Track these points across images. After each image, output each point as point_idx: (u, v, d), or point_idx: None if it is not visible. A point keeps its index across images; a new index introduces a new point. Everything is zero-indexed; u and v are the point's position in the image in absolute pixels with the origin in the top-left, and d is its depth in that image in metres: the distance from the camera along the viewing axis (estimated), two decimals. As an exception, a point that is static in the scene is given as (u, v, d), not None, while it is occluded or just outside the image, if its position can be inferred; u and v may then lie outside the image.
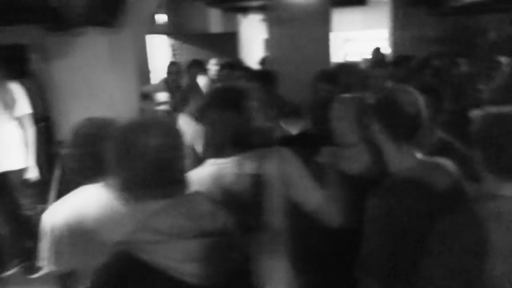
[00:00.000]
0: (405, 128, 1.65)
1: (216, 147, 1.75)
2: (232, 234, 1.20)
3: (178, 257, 1.08)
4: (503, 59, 4.66)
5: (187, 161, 1.23)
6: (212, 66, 6.14)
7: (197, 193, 1.23)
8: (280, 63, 4.73)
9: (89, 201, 1.54)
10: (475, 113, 1.44)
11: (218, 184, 1.65)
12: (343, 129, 2.10)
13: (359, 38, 10.54)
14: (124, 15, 4.09)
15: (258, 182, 1.68)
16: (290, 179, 1.74)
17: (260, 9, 8.31)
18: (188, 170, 1.26)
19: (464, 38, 6.34)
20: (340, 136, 2.13)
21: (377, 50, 6.19)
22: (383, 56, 6.09)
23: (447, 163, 1.72)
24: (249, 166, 1.68)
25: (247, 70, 4.83)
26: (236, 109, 1.69)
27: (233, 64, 5.26)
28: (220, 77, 5.37)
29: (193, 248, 1.10)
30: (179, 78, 5.14)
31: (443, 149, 2.02)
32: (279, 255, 1.74)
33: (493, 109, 1.40)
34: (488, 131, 1.38)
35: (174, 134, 1.21)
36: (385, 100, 1.70)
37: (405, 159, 1.67)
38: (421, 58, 5.37)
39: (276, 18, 4.79)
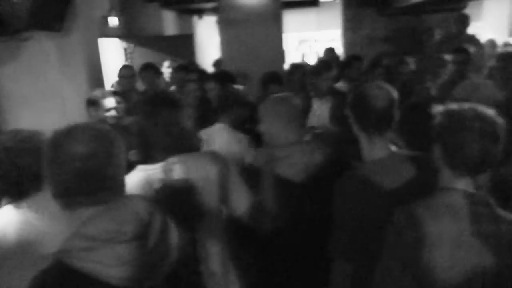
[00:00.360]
0: (375, 121, 1.77)
1: (146, 152, 1.73)
2: (166, 237, 1.20)
3: (109, 262, 1.08)
4: (448, 57, 4.87)
5: (123, 166, 1.23)
6: (166, 68, 6.11)
7: (133, 197, 1.22)
8: (233, 64, 4.75)
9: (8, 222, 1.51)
10: (436, 109, 1.51)
11: (145, 190, 1.63)
12: (276, 130, 2.13)
13: (315, 39, 10.76)
14: (72, 18, 4.01)
15: (186, 188, 1.68)
16: (221, 183, 1.75)
17: (215, 10, 8.32)
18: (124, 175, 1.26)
19: (412, 37, 6.59)
20: (272, 137, 2.15)
21: (329, 51, 6.32)
22: (335, 56, 6.21)
23: (421, 155, 1.82)
24: (178, 171, 1.68)
25: (202, 72, 4.84)
26: (166, 114, 1.70)
27: (187, 67, 5.25)
28: (174, 80, 5.35)
29: (123, 252, 1.09)
30: (133, 82, 5.08)
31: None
32: (215, 256, 1.76)
33: (453, 105, 1.47)
34: (446, 126, 1.44)
35: (105, 141, 1.18)
36: (357, 95, 1.83)
37: (376, 150, 1.79)
38: (372, 57, 5.53)
39: (228, 20, 4.81)
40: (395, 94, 1.80)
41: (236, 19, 4.75)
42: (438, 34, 6.43)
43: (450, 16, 6.80)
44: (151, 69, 5.06)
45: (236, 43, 4.77)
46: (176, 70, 4.99)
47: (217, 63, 5.98)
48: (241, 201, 1.80)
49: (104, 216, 1.12)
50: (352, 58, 5.46)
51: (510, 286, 1.38)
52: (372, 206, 1.71)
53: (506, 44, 6.51)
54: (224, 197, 1.78)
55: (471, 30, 6.22)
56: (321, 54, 9.47)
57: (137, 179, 1.65)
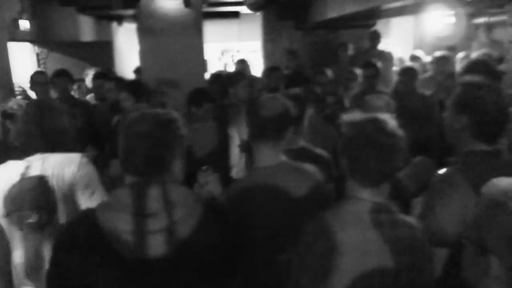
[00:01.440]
0: (260, 129, 1.83)
1: (22, 150, 1.97)
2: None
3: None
4: (358, 71, 5.20)
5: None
6: (87, 76, 5.89)
7: None
8: (153, 74, 4.71)
9: None
10: (341, 121, 1.60)
11: (5, 186, 1.86)
12: None
13: (237, 49, 10.93)
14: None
15: (39, 184, 1.91)
16: (78, 185, 1.98)
17: (135, 18, 8.17)
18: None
19: (327, 51, 6.94)
20: None
21: (240, 62, 6.42)
22: (246, 67, 6.30)
23: (309, 166, 1.90)
24: (36, 168, 1.92)
25: (119, 80, 4.73)
26: (40, 116, 1.98)
27: (105, 74, 5.11)
28: (93, 88, 5.17)
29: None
30: (47, 89, 4.83)
31: (303, 156, 2.23)
32: None
33: (356, 117, 1.53)
34: (348, 140, 1.51)
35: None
36: (250, 104, 1.92)
37: (267, 159, 1.84)
38: (290, 69, 5.76)
39: (147, 28, 4.75)
40: (288, 104, 1.88)
41: (156, 28, 4.71)
42: (351, 49, 6.83)
43: (363, 32, 7.28)
44: (64, 76, 4.85)
45: (156, 52, 4.72)
46: (95, 77, 4.83)
47: (138, 71, 5.86)
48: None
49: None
50: (271, 69, 5.64)
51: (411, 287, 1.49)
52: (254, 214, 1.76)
53: (413, 57, 7.10)
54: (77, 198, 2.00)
55: (381, 46, 6.72)
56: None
57: (2, 172, 1.91)
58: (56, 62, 6.65)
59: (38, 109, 2.10)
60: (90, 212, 1.36)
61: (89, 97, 5.46)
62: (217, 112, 4.28)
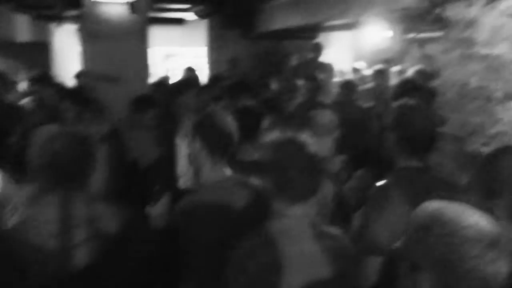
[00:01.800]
0: (220, 145, 1.89)
1: None
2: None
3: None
4: (300, 82, 5.37)
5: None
6: (21, 79, 5.62)
7: None
8: (96, 78, 4.60)
9: None
10: (264, 139, 1.67)
11: None
12: None
13: (181, 54, 10.81)
14: None
15: None
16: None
17: (76, 19, 7.90)
18: None
19: (271, 61, 7.09)
20: None
21: (188, 70, 6.41)
22: (194, 75, 6.32)
23: (255, 181, 1.93)
24: None
25: (60, 87, 4.57)
26: None
27: (44, 79, 4.91)
28: (30, 92, 4.94)
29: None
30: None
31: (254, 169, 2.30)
32: None
33: (275, 138, 1.61)
34: (270, 161, 1.58)
35: None
36: (205, 120, 1.94)
37: (214, 174, 1.89)
38: (233, 78, 5.83)
39: (90, 32, 4.63)
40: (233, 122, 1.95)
41: (100, 32, 4.60)
42: (294, 60, 7.02)
43: (306, 43, 7.51)
44: (-1, 79, 4.62)
45: (100, 58, 4.61)
46: (32, 82, 4.62)
47: (79, 75, 5.66)
48: None
49: None
50: (215, 78, 5.69)
51: None
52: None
53: (354, 70, 7.42)
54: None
55: (322, 57, 6.97)
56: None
57: None
58: (-12, 62, 6.28)
59: None
60: (6, 231, 1.40)
61: (25, 101, 5.22)
62: (162, 120, 4.26)
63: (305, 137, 1.60)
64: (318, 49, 6.86)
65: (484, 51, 2.22)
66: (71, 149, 1.50)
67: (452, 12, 2.40)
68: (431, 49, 7.37)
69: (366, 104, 5.36)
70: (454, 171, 2.46)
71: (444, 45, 2.48)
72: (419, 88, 3.04)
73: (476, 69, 2.28)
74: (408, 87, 3.34)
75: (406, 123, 1.89)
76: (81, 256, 1.35)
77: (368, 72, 6.76)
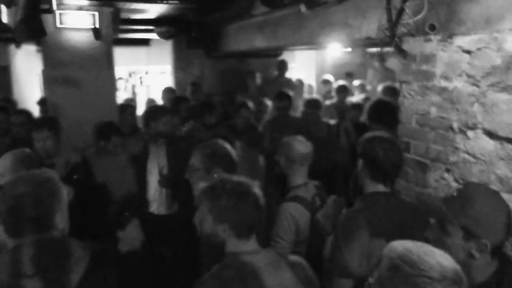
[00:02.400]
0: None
1: None
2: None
3: None
4: (268, 102, 5.45)
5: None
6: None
7: None
8: (60, 106, 4.53)
9: None
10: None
11: None
12: None
13: (146, 71, 10.71)
14: None
15: None
16: None
17: (36, 41, 7.72)
18: None
19: (237, 78, 7.16)
20: None
21: (170, 91, 6.42)
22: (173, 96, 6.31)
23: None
24: None
25: (29, 116, 4.49)
26: None
27: (6, 108, 4.80)
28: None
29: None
30: None
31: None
32: None
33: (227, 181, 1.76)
34: (231, 204, 1.66)
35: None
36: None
37: None
38: (198, 100, 5.87)
39: (54, 61, 4.56)
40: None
41: (64, 60, 4.53)
42: (258, 77, 7.11)
43: (270, 61, 7.63)
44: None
45: (64, 85, 4.54)
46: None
47: (43, 102, 5.55)
48: None
49: None
50: (179, 99, 5.70)
51: None
52: None
53: (325, 81, 7.61)
54: None
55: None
56: (152, 88, 9.54)
57: None
58: None
59: None
60: None
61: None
62: (129, 145, 4.23)
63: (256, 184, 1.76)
64: (283, 66, 7.00)
65: (442, 84, 2.35)
66: (34, 193, 1.51)
67: (410, 46, 2.53)
68: (391, 63, 7.65)
69: (331, 120, 5.50)
70: (418, 195, 2.58)
71: (403, 77, 2.61)
72: (392, 108, 3.18)
73: (435, 100, 2.40)
74: (381, 107, 3.52)
75: (380, 156, 2.01)
76: None
77: (335, 85, 6.95)
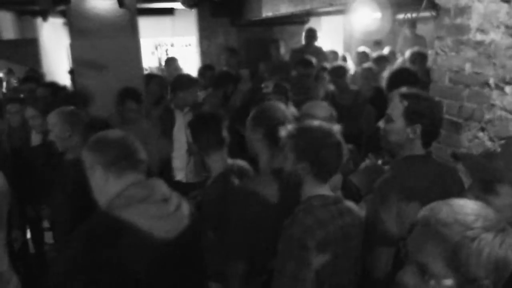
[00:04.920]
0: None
1: None
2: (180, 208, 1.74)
3: (142, 216, 1.54)
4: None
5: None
6: (6, 76, 5.57)
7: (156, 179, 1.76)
8: (87, 76, 4.55)
9: None
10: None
11: None
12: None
13: (171, 43, 10.70)
14: None
15: None
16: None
17: (62, 13, 7.77)
18: None
19: (263, 48, 7.03)
20: None
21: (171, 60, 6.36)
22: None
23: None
24: None
25: (54, 86, 4.54)
26: None
27: (38, 78, 4.86)
28: (23, 92, 4.90)
29: (152, 209, 1.59)
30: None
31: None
32: None
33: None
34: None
35: None
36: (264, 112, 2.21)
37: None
38: (231, 67, 5.80)
39: (79, 29, 4.56)
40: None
41: (89, 29, 4.52)
42: (283, 46, 6.92)
43: (296, 29, 7.45)
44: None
45: (90, 55, 4.55)
46: (24, 81, 4.59)
47: (72, 71, 5.60)
48: None
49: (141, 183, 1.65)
50: (205, 67, 5.66)
51: None
52: None
53: (343, 58, 7.35)
54: None
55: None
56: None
57: None
58: (-25, 62, 6.20)
59: None
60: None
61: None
62: (160, 114, 4.24)
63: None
64: (311, 34, 6.73)
65: (478, 37, 2.22)
66: None
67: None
68: (422, 29, 7.35)
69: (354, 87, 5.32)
70: (457, 155, 2.48)
71: (437, 32, 2.47)
72: (414, 78, 3.02)
73: (470, 55, 2.28)
74: (404, 76, 3.32)
75: (428, 113, 1.89)
76: None
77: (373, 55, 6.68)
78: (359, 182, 2.43)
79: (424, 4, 2.44)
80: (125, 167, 1.65)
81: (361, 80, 5.14)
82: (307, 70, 5.01)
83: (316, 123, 1.84)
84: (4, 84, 5.40)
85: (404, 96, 1.94)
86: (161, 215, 1.60)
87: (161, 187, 1.70)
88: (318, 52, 6.49)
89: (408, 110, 1.91)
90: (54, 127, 2.76)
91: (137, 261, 1.50)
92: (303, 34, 6.84)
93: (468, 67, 2.27)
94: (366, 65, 5.19)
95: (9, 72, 5.46)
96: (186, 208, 1.74)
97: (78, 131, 2.76)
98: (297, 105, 4.15)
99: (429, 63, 3.82)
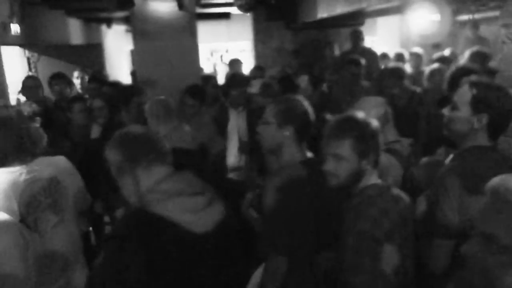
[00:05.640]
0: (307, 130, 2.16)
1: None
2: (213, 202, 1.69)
3: (178, 209, 1.52)
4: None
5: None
6: (76, 79, 5.91)
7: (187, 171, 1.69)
8: (148, 76, 4.75)
9: None
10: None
11: (17, 190, 1.96)
12: None
13: (226, 49, 10.93)
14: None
15: (53, 185, 2.09)
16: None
17: (125, 20, 8.17)
18: None
19: (316, 50, 7.03)
20: None
21: (234, 62, 6.47)
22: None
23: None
24: (43, 171, 2.06)
25: (115, 85, 4.76)
26: (15, 127, 2.04)
27: (101, 78, 5.13)
28: (88, 91, 5.20)
29: (189, 202, 1.56)
30: (37, 93, 4.87)
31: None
32: None
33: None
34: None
35: None
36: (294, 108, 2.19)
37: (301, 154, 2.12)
38: (292, 68, 5.86)
39: (141, 31, 4.78)
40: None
41: (150, 31, 4.74)
42: (337, 48, 6.90)
43: (349, 32, 7.37)
44: (62, 79, 4.90)
45: (152, 56, 4.75)
46: (90, 81, 4.87)
47: (134, 73, 5.88)
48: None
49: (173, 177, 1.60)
50: (256, 68, 5.74)
51: None
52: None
53: (398, 55, 7.18)
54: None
55: (368, 43, 6.80)
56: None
57: (3, 179, 1.99)
58: (46, 65, 6.62)
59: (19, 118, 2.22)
60: None
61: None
62: (216, 112, 4.34)
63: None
64: (357, 36, 6.58)
65: (549, 23, 2.12)
66: None
67: (512, -15, 2.30)
68: (485, 31, 7.06)
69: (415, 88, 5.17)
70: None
71: (503, 20, 2.38)
72: (475, 72, 2.89)
73: (540, 43, 2.18)
74: (464, 72, 3.18)
75: (497, 102, 1.81)
76: None
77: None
78: (420, 175, 2.37)
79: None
80: (153, 161, 1.60)
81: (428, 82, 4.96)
82: (358, 69, 4.93)
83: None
84: (79, 84, 5.79)
85: (474, 84, 1.86)
86: (197, 208, 1.57)
87: (194, 180, 1.65)
88: (367, 52, 6.36)
89: (475, 98, 1.83)
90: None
91: (177, 256, 1.48)
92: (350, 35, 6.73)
93: (538, 55, 2.17)
94: (435, 65, 5.00)
95: (83, 73, 5.84)
96: (219, 202, 1.69)
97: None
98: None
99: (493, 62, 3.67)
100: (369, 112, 2.51)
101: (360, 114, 1.85)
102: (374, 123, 1.83)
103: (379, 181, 1.84)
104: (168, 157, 1.66)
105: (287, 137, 2.12)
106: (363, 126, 1.78)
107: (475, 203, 1.69)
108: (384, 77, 4.88)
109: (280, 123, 2.14)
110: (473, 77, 1.88)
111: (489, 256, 1.04)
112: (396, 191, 1.86)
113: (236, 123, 4.16)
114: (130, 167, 1.59)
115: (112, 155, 1.64)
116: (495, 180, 1.09)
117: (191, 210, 1.54)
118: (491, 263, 1.05)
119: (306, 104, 2.22)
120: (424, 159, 2.48)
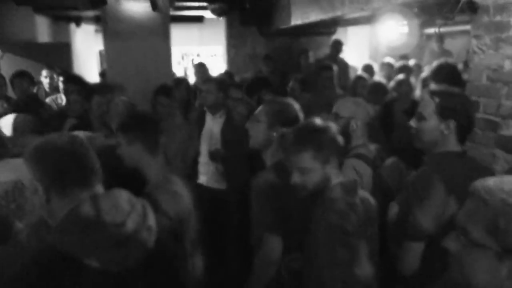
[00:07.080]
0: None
1: None
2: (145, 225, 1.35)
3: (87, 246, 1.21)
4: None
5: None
6: (44, 78, 5.72)
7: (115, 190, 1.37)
8: (119, 77, 4.64)
9: None
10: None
11: None
12: None
13: (198, 53, 10.87)
14: None
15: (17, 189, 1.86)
16: None
17: (95, 19, 8.00)
18: None
19: (289, 57, 7.09)
20: None
21: (200, 66, 6.43)
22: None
23: None
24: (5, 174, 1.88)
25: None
26: None
27: (77, 78, 4.98)
28: (65, 91, 5.02)
29: (100, 237, 1.22)
30: (2, 90, 4.69)
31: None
32: None
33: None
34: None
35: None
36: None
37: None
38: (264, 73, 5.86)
39: (113, 32, 4.68)
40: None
41: (123, 31, 4.65)
42: (311, 56, 6.99)
43: (323, 39, 7.49)
44: (25, 77, 4.74)
45: (123, 56, 4.66)
46: (67, 80, 4.73)
47: (103, 74, 5.74)
48: None
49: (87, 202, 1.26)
50: (224, 74, 5.74)
51: None
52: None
53: (366, 67, 7.32)
54: None
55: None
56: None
57: None
58: (11, 63, 6.39)
59: None
60: None
61: (49, 100, 5.32)
62: (194, 116, 4.26)
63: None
64: (337, 46, 6.79)
65: (518, 34, 2.20)
66: None
67: (482, -3, 2.39)
68: (450, 44, 7.30)
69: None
70: (486, 157, 2.44)
71: (473, 31, 2.46)
72: (458, 71, 3.01)
73: (509, 53, 2.26)
74: (447, 67, 3.33)
75: (462, 109, 1.89)
76: None
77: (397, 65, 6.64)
78: (387, 176, 2.42)
79: (460, 4, 2.43)
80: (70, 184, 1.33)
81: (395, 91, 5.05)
82: (331, 73, 4.98)
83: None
84: (47, 83, 5.61)
85: (434, 93, 1.94)
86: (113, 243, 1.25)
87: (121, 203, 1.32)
88: (340, 62, 6.52)
89: (440, 106, 1.90)
90: None
91: None
92: (330, 44, 6.89)
93: (507, 64, 2.25)
94: (401, 76, 5.11)
95: (51, 72, 5.65)
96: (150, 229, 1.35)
97: None
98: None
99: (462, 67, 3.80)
100: (356, 112, 2.54)
101: (317, 121, 1.86)
102: (333, 127, 1.85)
103: (345, 179, 1.87)
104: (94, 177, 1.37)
105: (274, 138, 2.14)
106: (320, 134, 1.80)
107: (451, 204, 1.73)
108: (361, 89, 4.95)
109: (271, 123, 2.16)
110: (433, 86, 1.97)
111: (462, 250, 1.07)
112: (362, 192, 1.90)
113: (210, 127, 4.06)
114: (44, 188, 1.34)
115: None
116: (477, 182, 1.12)
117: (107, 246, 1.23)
118: (465, 258, 1.08)
119: (298, 108, 2.25)
120: (388, 160, 2.52)
